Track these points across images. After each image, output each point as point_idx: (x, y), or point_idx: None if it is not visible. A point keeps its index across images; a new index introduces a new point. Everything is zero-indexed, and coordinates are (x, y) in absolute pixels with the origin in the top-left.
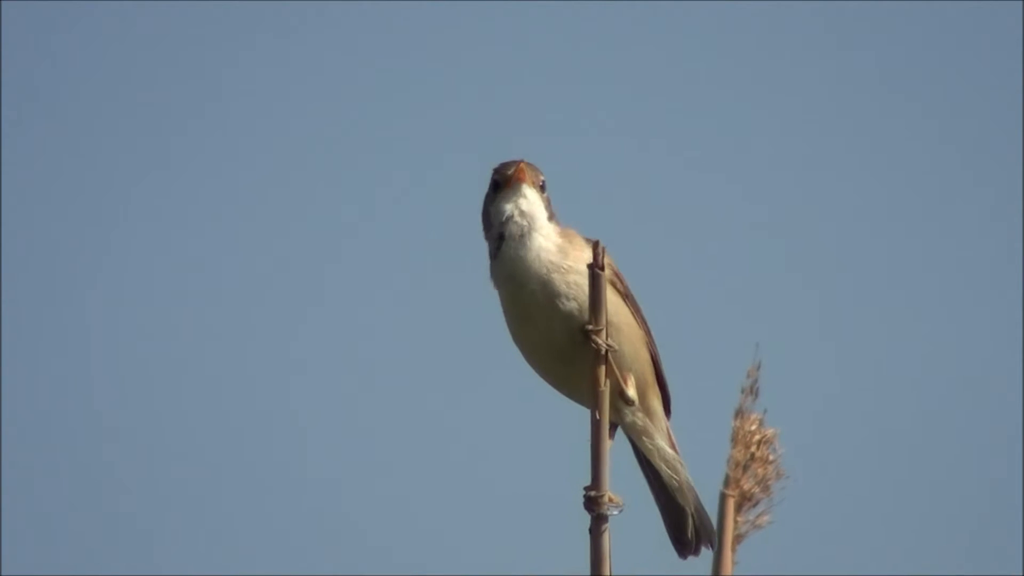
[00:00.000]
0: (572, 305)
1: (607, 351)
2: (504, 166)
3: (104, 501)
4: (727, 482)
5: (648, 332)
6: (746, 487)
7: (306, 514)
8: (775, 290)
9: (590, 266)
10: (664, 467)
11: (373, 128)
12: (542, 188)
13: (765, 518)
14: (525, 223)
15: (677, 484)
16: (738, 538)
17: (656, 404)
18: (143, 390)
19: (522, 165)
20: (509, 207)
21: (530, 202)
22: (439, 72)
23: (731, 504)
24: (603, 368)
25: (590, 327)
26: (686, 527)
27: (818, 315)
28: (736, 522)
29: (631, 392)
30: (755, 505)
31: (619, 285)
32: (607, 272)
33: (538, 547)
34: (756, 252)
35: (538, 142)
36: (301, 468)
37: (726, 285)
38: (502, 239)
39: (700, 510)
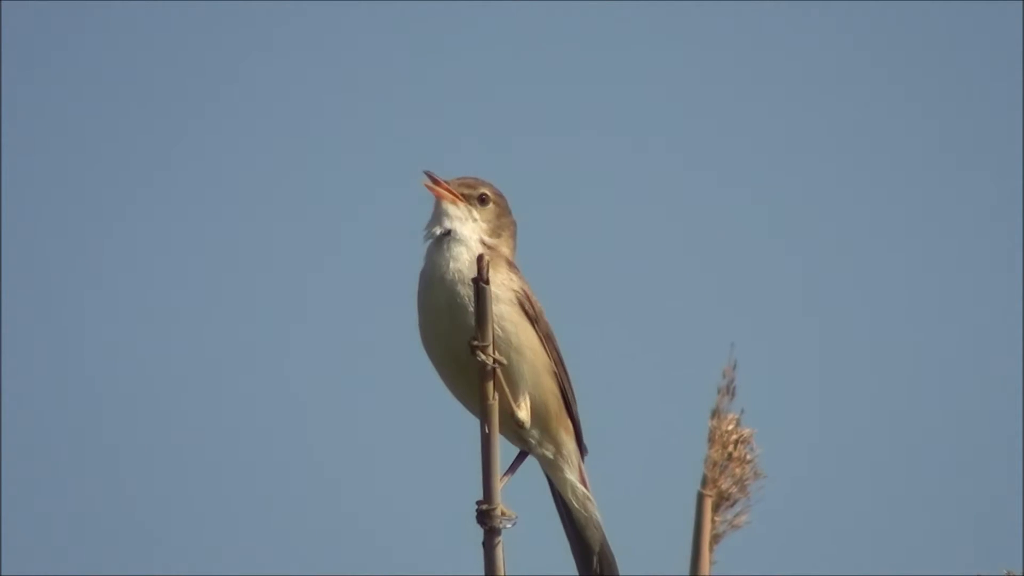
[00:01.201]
0: (471, 319)
1: (494, 366)
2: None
3: (104, 501)
4: (704, 482)
5: (558, 363)
6: (723, 487)
7: (301, 513)
8: (752, 289)
9: (474, 279)
10: (573, 502)
11: (373, 126)
12: (482, 200)
13: (742, 518)
14: (439, 233)
15: (584, 520)
16: (716, 538)
17: (565, 438)
18: (143, 390)
19: (440, 184)
20: (431, 226)
21: (450, 216)
22: (437, 72)
23: (708, 504)
24: (490, 383)
25: (475, 341)
26: (591, 563)
27: (795, 315)
28: (714, 522)
29: (522, 414)
30: (732, 505)
31: (528, 308)
32: (515, 293)
33: (437, 559)
34: (734, 251)
35: (532, 142)
36: (300, 468)
37: (702, 284)
38: (428, 255)
39: (605, 549)
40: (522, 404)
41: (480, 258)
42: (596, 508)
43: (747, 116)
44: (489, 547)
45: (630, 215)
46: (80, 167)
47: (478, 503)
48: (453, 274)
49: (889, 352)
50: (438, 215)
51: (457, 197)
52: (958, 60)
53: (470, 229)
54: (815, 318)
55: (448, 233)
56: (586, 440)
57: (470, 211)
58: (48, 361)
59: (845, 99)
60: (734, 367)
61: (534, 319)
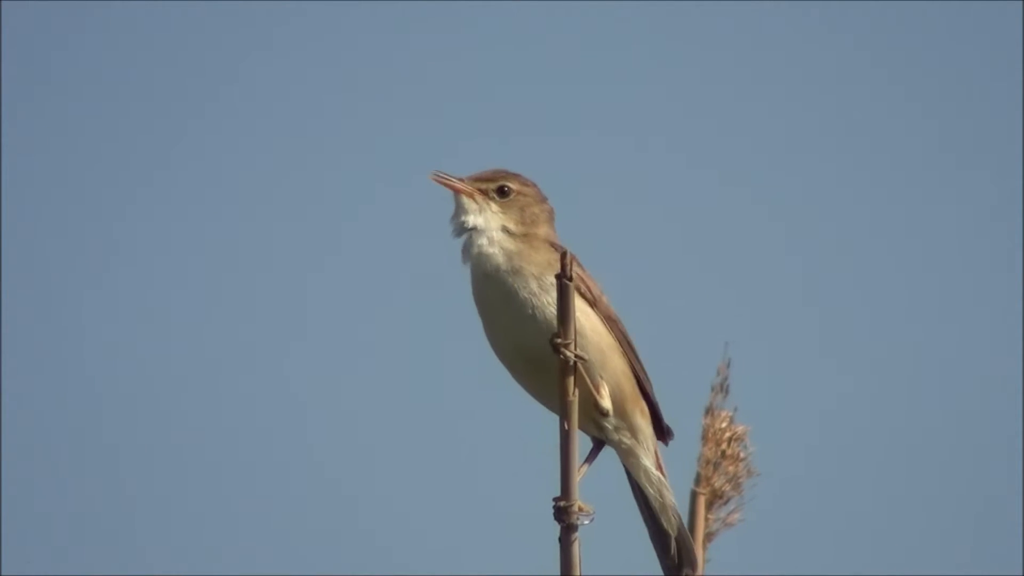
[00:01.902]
0: (526, 306)
1: (575, 362)
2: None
3: (104, 501)
4: (698, 480)
5: (624, 343)
6: (717, 485)
7: (300, 513)
8: (745, 287)
9: (557, 276)
10: (649, 488)
11: (374, 126)
12: (502, 192)
13: (736, 516)
14: (471, 238)
15: (660, 506)
16: (709, 536)
17: (641, 422)
18: (143, 390)
19: (450, 183)
20: (454, 224)
21: (467, 212)
22: (437, 72)
23: (702, 501)
24: (571, 379)
25: (558, 340)
26: (669, 549)
27: (788, 313)
28: (707, 520)
29: (605, 403)
30: (726, 503)
31: (585, 291)
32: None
33: (512, 555)
34: (729, 250)
35: (533, 142)
36: (299, 467)
37: (696, 282)
38: (465, 254)
39: (683, 533)
40: (603, 392)
41: (564, 255)
42: (671, 493)
43: (747, 116)
44: (566, 544)
45: (626, 214)
46: (80, 167)
47: (555, 500)
48: (494, 267)
49: (884, 350)
50: (456, 210)
51: (470, 192)
52: (958, 60)
53: (487, 220)
54: (810, 316)
55: (472, 228)
56: (669, 423)
57: (487, 204)
58: (48, 361)
59: (845, 99)
60: (728, 365)
61: (592, 302)
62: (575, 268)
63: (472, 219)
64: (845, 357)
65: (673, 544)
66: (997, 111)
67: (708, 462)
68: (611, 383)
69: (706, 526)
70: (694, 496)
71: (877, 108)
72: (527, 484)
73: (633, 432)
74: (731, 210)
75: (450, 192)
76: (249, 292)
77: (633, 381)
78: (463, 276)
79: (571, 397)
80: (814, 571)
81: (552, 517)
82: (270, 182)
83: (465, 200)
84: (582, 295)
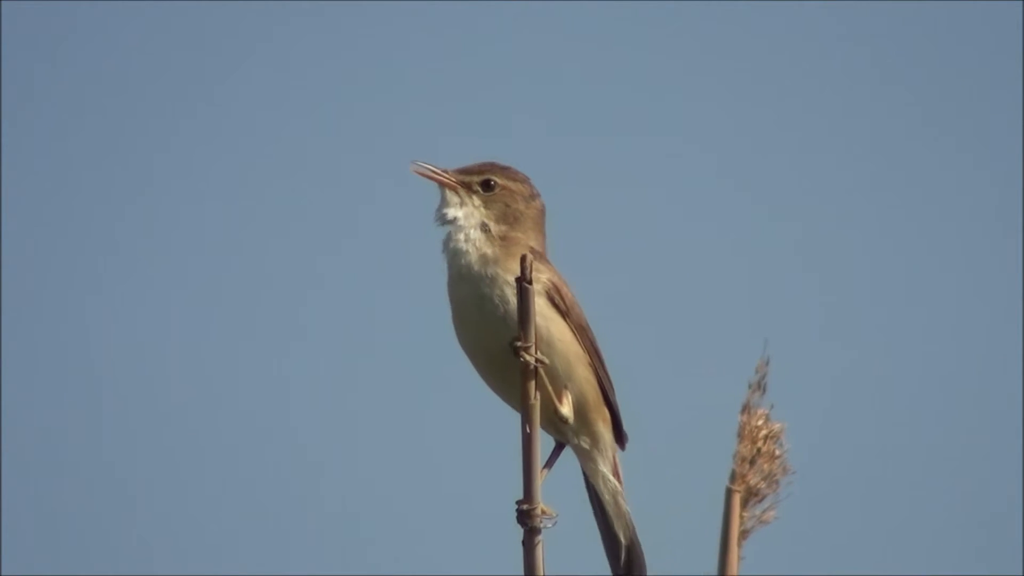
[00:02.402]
0: (498, 311)
1: (536, 366)
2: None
3: (104, 501)
4: (733, 477)
5: (593, 353)
6: (752, 482)
7: (302, 513)
8: (784, 286)
9: (518, 280)
10: (605, 495)
11: (373, 125)
12: (487, 186)
13: (771, 514)
14: (450, 231)
15: (615, 513)
16: (744, 534)
17: (602, 429)
18: (143, 390)
19: (428, 171)
20: (437, 215)
21: (448, 205)
22: (436, 72)
23: (737, 499)
24: (532, 382)
25: (518, 343)
26: (619, 556)
27: (826, 311)
28: (742, 517)
29: (565, 410)
30: (761, 501)
31: (558, 301)
32: (543, 285)
33: (475, 557)
34: (766, 248)
35: (546, 142)
36: (298, 468)
37: (735, 281)
38: (444, 246)
39: (634, 543)
40: (564, 400)
41: (524, 258)
42: (626, 502)
43: (778, 121)
44: (529, 546)
45: (665, 214)
46: (80, 167)
47: (518, 503)
48: (467, 266)
49: (922, 350)
50: (440, 202)
51: (453, 184)
52: (958, 60)
53: (465, 215)
54: (850, 313)
55: (451, 222)
56: (626, 429)
57: (469, 197)
58: (48, 360)
59: (873, 97)
60: (766, 363)
61: (564, 312)
62: (550, 276)
63: (452, 212)
64: (886, 356)
65: (624, 552)
66: (998, 111)
67: (744, 459)
68: (575, 392)
69: (741, 524)
70: (729, 493)
71: (888, 108)
72: (492, 484)
73: (593, 439)
74: (743, 208)
75: (435, 184)
76: (249, 292)
77: (597, 390)
78: (440, 267)
79: (532, 401)
80: (848, 570)
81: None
82: (270, 182)
83: (448, 193)
84: (555, 305)
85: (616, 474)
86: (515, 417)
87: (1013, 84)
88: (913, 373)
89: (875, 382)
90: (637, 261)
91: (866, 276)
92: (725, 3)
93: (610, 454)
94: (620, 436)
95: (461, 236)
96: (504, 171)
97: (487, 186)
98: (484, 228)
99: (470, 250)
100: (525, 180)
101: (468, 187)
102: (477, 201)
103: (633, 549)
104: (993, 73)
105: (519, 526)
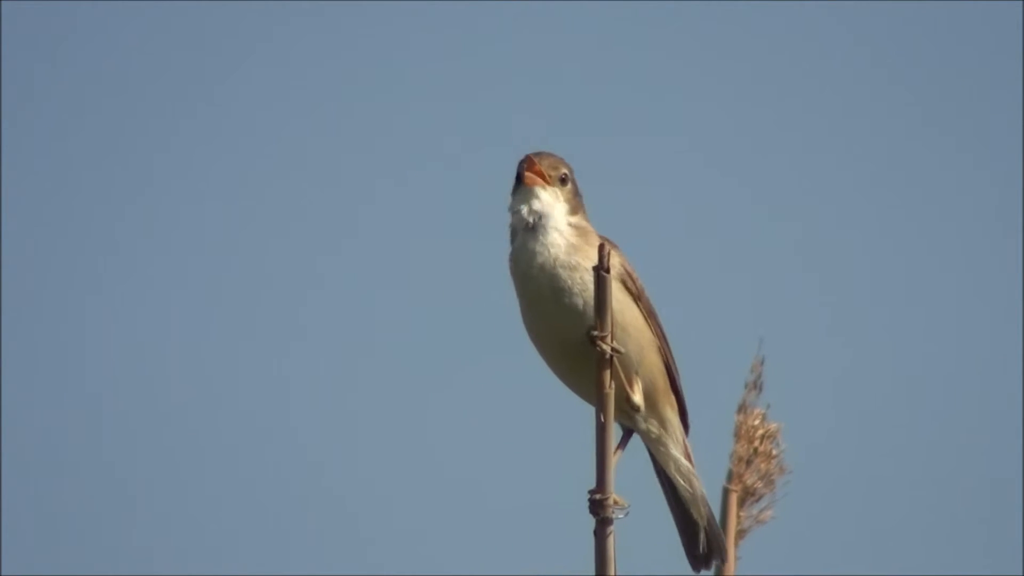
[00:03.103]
0: (577, 301)
1: (612, 355)
2: (523, 162)
3: (104, 501)
4: (730, 477)
5: (662, 338)
6: (749, 482)
7: (303, 513)
8: (780, 285)
9: (595, 268)
10: (678, 478)
11: (374, 125)
12: (563, 181)
13: (768, 513)
14: (532, 220)
15: (691, 496)
16: (741, 533)
17: (670, 414)
18: (143, 390)
19: (535, 168)
20: (522, 206)
21: (542, 201)
22: (436, 71)
23: (734, 499)
24: (608, 371)
25: (595, 332)
26: (698, 540)
27: (823, 310)
28: (739, 517)
29: (637, 398)
30: (758, 500)
31: (631, 285)
32: (617, 271)
33: (545, 548)
34: (763, 247)
35: (546, 142)
36: (299, 469)
37: (731, 279)
38: (515, 233)
39: (712, 524)
40: (636, 388)
41: (601, 247)
42: (701, 483)
43: (779, 120)
44: (601, 537)
45: (659, 211)
46: (80, 167)
47: (591, 492)
48: (552, 259)
49: (919, 349)
50: (526, 197)
51: (547, 180)
52: (959, 60)
53: (559, 212)
54: (847, 312)
55: (540, 218)
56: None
57: (557, 194)
58: (48, 360)
59: (880, 95)
60: (762, 362)
61: (636, 296)
62: (622, 261)
63: (548, 211)
64: (883, 355)
65: (702, 535)
66: (998, 111)
67: (741, 459)
68: (646, 378)
69: (738, 523)
70: (726, 493)
71: (886, 106)
72: (492, 483)
73: (662, 423)
74: (740, 206)
75: (520, 176)
76: (249, 292)
77: (666, 376)
78: (503, 260)
79: (608, 390)
80: (845, 570)
81: (587, 510)
82: (270, 182)
83: (540, 191)
84: (628, 289)
85: (688, 456)
86: (525, 412)
87: (1013, 84)
88: (909, 372)
89: (871, 381)
90: (634, 261)
91: (862, 275)
92: (725, 3)
93: (680, 437)
94: (685, 422)
95: (556, 234)
96: (566, 163)
97: (563, 181)
98: (568, 222)
99: (561, 243)
100: (573, 169)
101: (553, 182)
102: (561, 196)
103: (712, 531)
104: (993, 73)
105: (591, 516)
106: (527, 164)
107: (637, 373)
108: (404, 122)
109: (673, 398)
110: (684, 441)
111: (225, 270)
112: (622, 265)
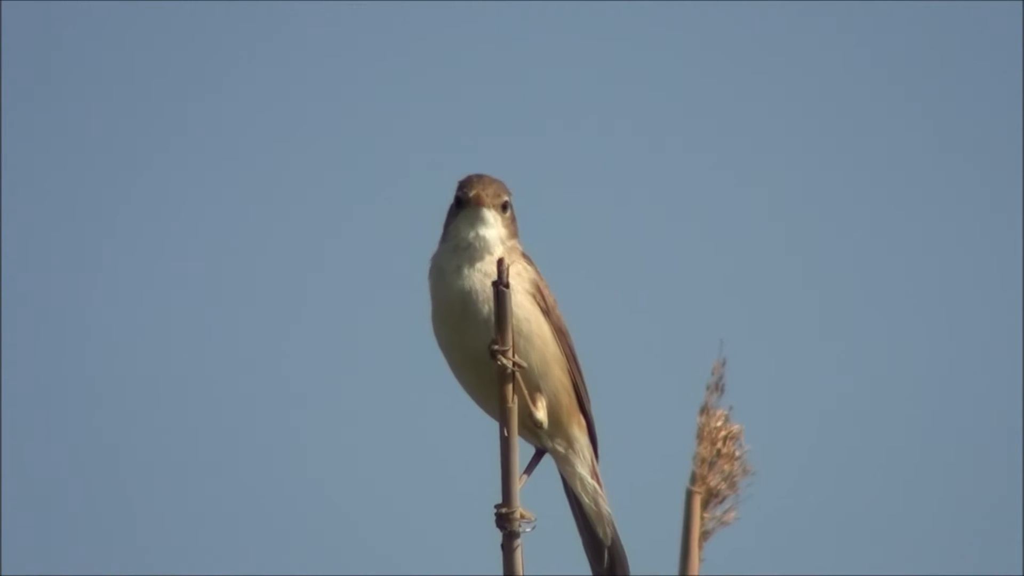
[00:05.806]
0: (483, 309)
1: (514, 370)
2: (465, 185)
3: (104, 501)
4: (693, 479)
5: (571, 358)
6: (712, 484)
7: (307, 516)
8: (740, 286)
9: (494, 283)
10: (584, 497)
11: (373, 125)
12: (504, 208)
13: (731, 515)
14: (477, 246)
15: (596, 515)
16: (704, 535)
17: (577, 433)
18: (143, 390)
19: (479, 193)
20: (470, 231)
21: (487, 226)
22: (435, 71)
23: (697, 501)
24: (510, 386)
25: (495, 346)
26: (602, 558)
27: (783, 311)
28: (703, 519)
29: (540, 415)
30: (721, 502)
31: (539, 300)
32: (526, 285)
33: (454, 561)
34: (723, 248)
35: (546, 142)
36: (298, 468)
37: (691, 281)
38: (454, 251)
39: (617, 545)
40: (540, 404)
41: (500, 261)
42: (606, 503)
43: (747, 114)
44: (508, 550)
45: (619, 211)
46: (80, 167)
47: (497, 507)
48: (474, 270)
49: (882, 348)
50: (473, 222)
51: (493, 207)
52: (959, 60)
53: (495, 235)
54: (807, 314)
55: (482, 243)
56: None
57: (497, 219)
58: (47, 360)
59: (844, 96)
60: (723, 363)
61: (546, 311)
62: (534, 276)
63: (487, 233)
64: (843, 356)
65: (606, 553)
66: (998, 111)
67: (703, 461)
68: (549, 395)
69: (702, 525)
70: (689, 495)
71: (878, 107)
72: (490, 485)
73: (568, 442)
74: (729, 207)
75: (464, 199)
76: (249, 292)
77: (572, 395)
78: (424, 270)
79: (510, 404)
80: (810, 570)
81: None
82: (269, 182)
83: (487, 213)
84: (537, 303)
85: (595, 475)
86: (491, 424)
87: (1013, 84)
88: (872, 371)
89: (834, 381)
90: (594, 258)
91: (827, 276)
92: (725, 3)
93: (587, 456)
94: (594, 443)
95: (487, 255)
96: (507, 189)
97: (504, 208)
98: (501, 242)
99: (490, 270)
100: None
101: (496, 208)
102: (500, 221)
103: (615, 549)
104: (993, 73)
105: (498, 530)
106: (472, 188)
107: (540, 390)
108: (404, 122)
109: (581, 418)
110: (592, 461)
111: (225, 269)
112: (533, 281)
